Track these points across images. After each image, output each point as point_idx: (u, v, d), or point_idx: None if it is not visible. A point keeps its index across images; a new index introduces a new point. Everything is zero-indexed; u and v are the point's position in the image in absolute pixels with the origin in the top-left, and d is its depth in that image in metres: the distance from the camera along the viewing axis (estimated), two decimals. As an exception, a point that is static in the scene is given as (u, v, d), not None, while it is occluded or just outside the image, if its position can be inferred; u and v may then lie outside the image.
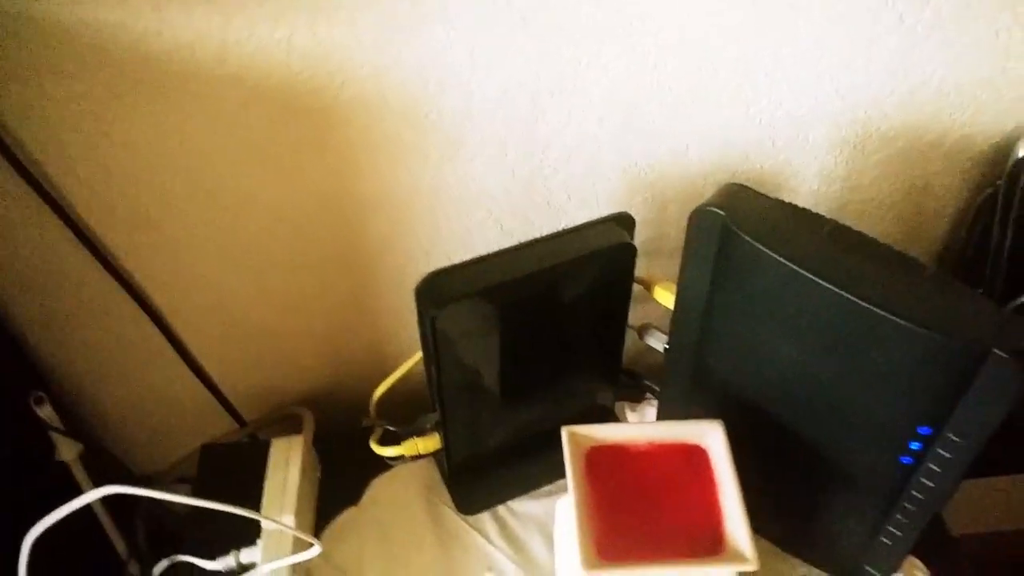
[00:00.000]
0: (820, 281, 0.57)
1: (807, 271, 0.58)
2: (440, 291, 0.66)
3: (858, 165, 0.80)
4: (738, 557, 0.60)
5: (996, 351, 0.52)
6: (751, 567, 0.59)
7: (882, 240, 0.60)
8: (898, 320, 0.55)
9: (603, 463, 0.66)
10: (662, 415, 0.83)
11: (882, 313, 0.55)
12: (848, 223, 0.62)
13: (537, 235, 0.82)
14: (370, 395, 0.84)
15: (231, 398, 0.96)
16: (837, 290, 0.57)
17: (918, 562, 0.75)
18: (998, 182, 0.78)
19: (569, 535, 0.70)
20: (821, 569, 0.77)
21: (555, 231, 0.70)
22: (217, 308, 0.85)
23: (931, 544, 0.70)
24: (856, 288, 0.56)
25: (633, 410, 0.90)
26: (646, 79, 0.72)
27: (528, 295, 0.69)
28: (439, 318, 0.65)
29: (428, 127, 0.73)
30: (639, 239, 0.82)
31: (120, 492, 0.64)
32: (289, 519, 0.76)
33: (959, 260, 0.85)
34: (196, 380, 0.91)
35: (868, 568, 0.73)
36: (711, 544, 0.62)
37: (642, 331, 0.81)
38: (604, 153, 0.77)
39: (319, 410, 0.93)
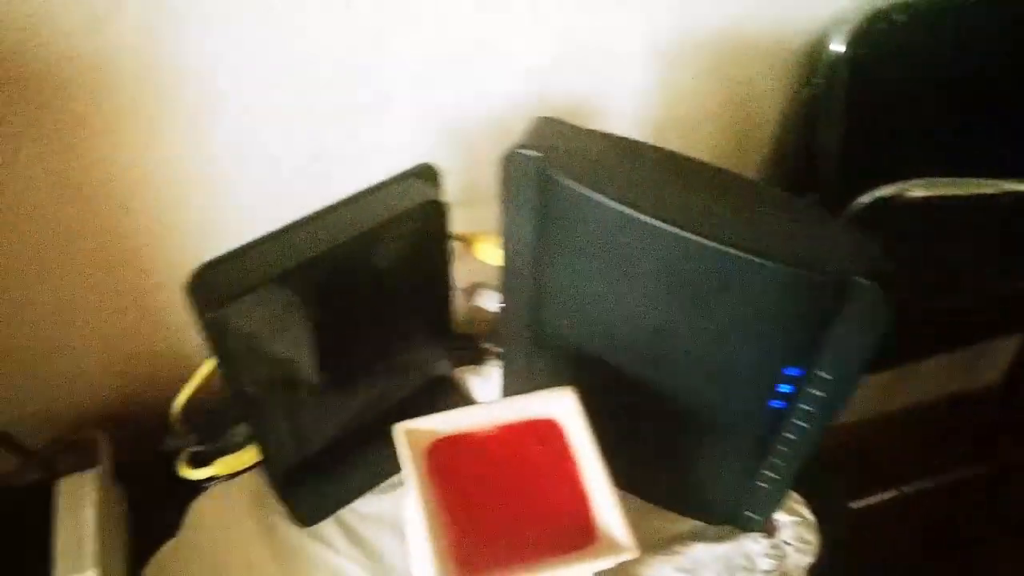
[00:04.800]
0: (655, 222, 0.49)
1: (639, 212, 0.50)
2: (215, 287, 0.54)
3: (675, 77, 0.73)
4: (614, 547, 0.52)
5: (858, 279, 0.46)
6: (631, 554, 0.52)
7: (709, 154, 0.53)
8: (749, 257, 0.48)
9: (448, 457, 0.57)
10: (508, 381, 0.75)
11: (730, 251, 0.48)
12: (671, 142, 0.54)
13: (330, 202, 0.72)
14: (169, 403, 0.71)
15: (5, 428, 0.80)
16: (675, 230, 0.49)
17: (796, 495, 0.72)
18: (815, 80, 0.73)
19: (421, 545, 0.62)
20: (699, 519, 0.72)
21: (348, 196, 0.59)
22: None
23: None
24: (696, 225, 0.49)
25: (477, 375, 0.82)
26: (435, 10, 0.61)
27: (329, 272, 0.58)
28: (218, 320, 0.53)
29: (161, 94, 0.59)
30: (456, 187, 0.72)
31: None
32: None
33: (790, 165, 0.80)
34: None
35: (747, 513, 0.69)
36: (581, 534, 0.54)
37: (471, 292, 0.72)
38: (396, 97, 0.66)
39: (118, 430, 0.79)
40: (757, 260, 0.48)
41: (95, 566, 0.64)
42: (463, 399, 0.80)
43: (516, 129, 0.71)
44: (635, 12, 0.66)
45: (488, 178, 0.75)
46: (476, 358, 0.82)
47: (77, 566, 0.64)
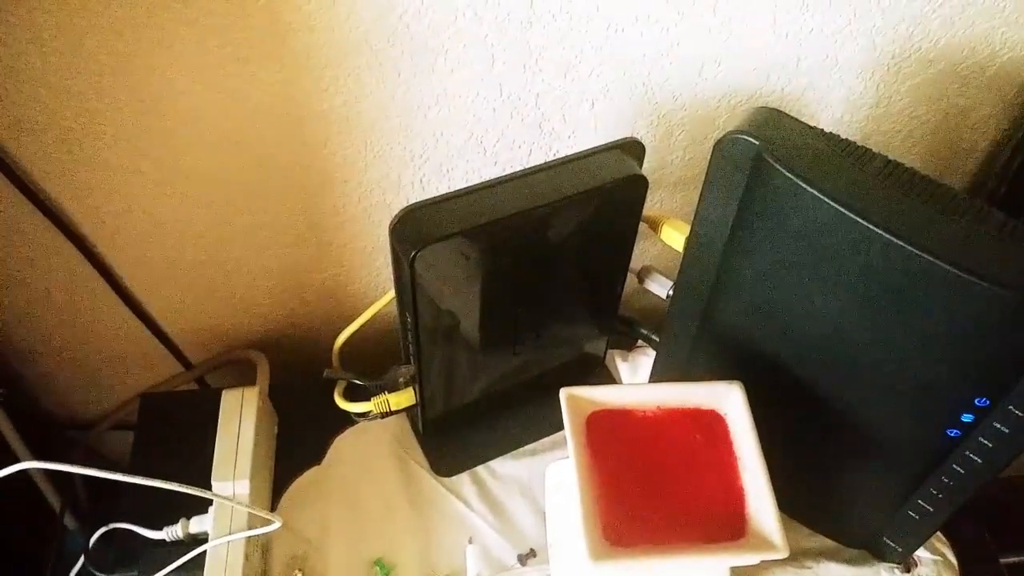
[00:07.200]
0: (870, 226, 0.48)
1: (855, 214, 0.49)
2: (420, 229, 0.56)
3: (889, 91, 0.71)
4: (765, 544, 0.52)
5: (1087, 315, 0.44)
6: (780, 554, 0.52)
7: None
8: (965, 276, 0.46)
9: (606, 431, 0.58)
10: (659, 369, 0.75)
11: (946, 267, 0.46)
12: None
13: (525, 161, 0.73)
14: (331, 340, 0.75)
15: (174, 338, 0.85)
16: (893, 238, 0.48)
17: (940, 534, 0.69)
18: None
19: (566, 510, 0.62)
20: (833, 539, 0.70)
21: (554, 159, 0.60)
22: (155, 238, 0.74)
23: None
24: (915, 236, 0.47)
25: (625, 359, 0.82)
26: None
27: (521, 234, 0.59)
28: (418, 259, 0.55)
29: (401, 32, 0.61)
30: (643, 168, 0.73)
31: (48, 467, 0.54)
32: (243, 486, 0.67)
33: (990, 199, 0.77)
34: (133, 317, 0.81)
35: (888, 541, 0.67)
36: (731, 527, 0.54)
37: (642, 275, 0.72)
38: (607, 69, 0.66)
39: (274, 356, 0.83)
40: (972, 280, 0.46)
41: (249, 477, 0.68)
42: (610, 381, 0.80)
43: (719, 120, 0.71)
44: (865, 21, 0.65)
45: (679, 162, 0.76)
46: (629, 343, 0.82)
47: (233, 474, 0.68)
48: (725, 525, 0.54)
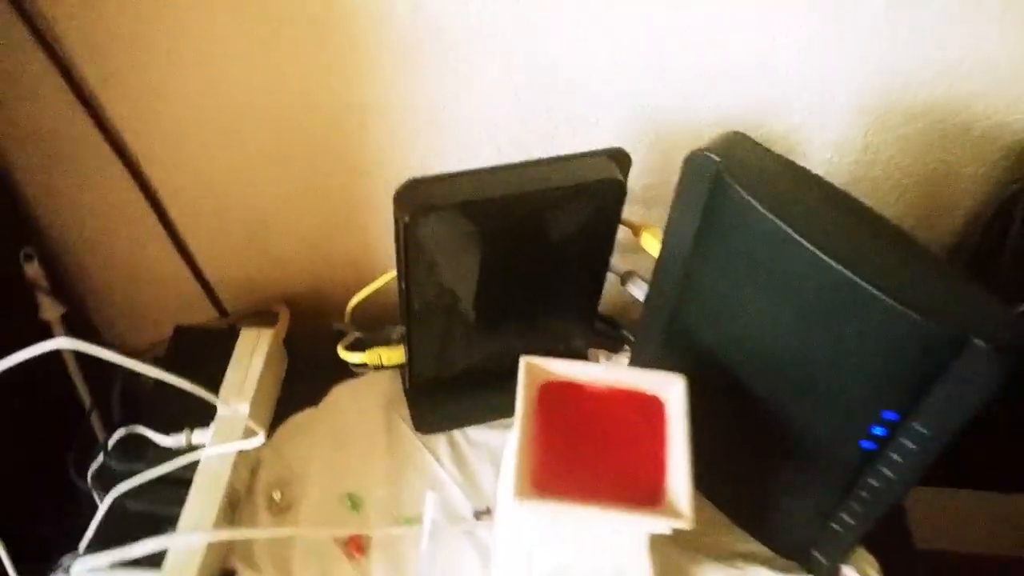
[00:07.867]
0: (805, 243, 0.54)
1: (794, 231, 0.55)
2: (417, 197, 0.64)
3: (877, 139, 0.76)
4: (674, 512, 0.58)
5: (976, 341, 0.49)
6: (686, 525, 0.57)
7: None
8: (879, 295, 0.51)
9: (556, 399, 0.64)
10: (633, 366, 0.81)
11: (864, 285, 0.52)
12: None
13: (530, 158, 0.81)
14: (348, 302, 0.83)
15: (213, 285, 0.95)
16: (821, 255, 0.54)
17: (870, 557, 0.73)
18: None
19: (510, 463, 0.69)
20: (768, 547, 0.75)
21: (548, 157, 0.67)
22: (210, 192, 0.84)
23: (894, 554, 0.72)
24: (842, 256, 0.53)
25: (609, 359, 0.88)
26: (669, 15, 0.69)
27: (508, 217, 0.67)
28: (412, 225, 0.64)
29: (431, 37, 0.70)
30: (640, 184, 0.80)
31: (78, 349, 0.63)
32: (244, 406, 0.76)
33: (971, 258, 0.81)
34: (181, 262, 0.91)
35: (815, 554, 0.71)
36: (650, 496, 0.60)
37: (625, 278, 0.78)
38: (615, 89, 0.74)
39: (297, 309, 0.92)
40: (884, 298, 0.51)
41: (249, 402, 0.77)
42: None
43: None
44: (857, 68, 0.71)
45: (676, 181, 0.82)
46: (614, 345, 0.88)
47: (236, 397, 0.77)
48: (645, 493, 0.60)
